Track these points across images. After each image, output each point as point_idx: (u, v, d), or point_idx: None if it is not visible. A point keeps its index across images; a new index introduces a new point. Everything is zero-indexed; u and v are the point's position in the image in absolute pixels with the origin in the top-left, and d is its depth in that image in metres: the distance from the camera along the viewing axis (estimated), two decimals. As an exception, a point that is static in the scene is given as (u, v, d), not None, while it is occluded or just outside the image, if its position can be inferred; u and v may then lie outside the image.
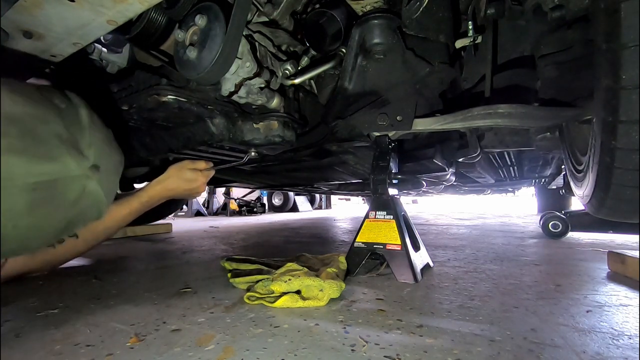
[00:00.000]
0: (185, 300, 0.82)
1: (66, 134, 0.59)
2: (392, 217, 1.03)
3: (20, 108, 0.56)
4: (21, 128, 0.54)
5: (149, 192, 0.89)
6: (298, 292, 0.79)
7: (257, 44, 0.84)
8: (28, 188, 0.54)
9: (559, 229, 1.90)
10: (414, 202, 9.40)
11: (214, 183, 1.95)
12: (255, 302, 0.78)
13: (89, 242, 0.81)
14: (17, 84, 0.61)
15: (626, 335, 0.59)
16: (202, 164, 0.99)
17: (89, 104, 0.71)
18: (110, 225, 0.83)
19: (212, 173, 1.02)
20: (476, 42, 0.90)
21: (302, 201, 6.66)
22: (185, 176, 0.94)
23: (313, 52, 0.95)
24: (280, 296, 0.77)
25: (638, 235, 1.69)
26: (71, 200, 0.60)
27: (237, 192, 6.15)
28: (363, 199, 6.52)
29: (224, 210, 5.59)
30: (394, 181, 1.11)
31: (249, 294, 0.81)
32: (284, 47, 0.95)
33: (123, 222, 0.86)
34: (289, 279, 0.81)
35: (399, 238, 0.99)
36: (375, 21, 0.86)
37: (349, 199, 9.24)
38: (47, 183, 0.56)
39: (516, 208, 5.99)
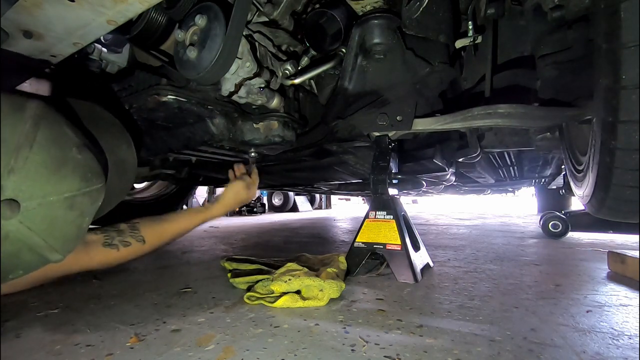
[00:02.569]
0: (185, 300, 0.82)
1: None
2: (392, 217, 1.03)
3: None
4: None
5: (212, 211, 0.94)
6: (298, 292, 0.79)
7: (257, 44, 0.84)
8: None
9: (559, 229, 1.90)
10: (414, 202, 9.39)
11: (214, 183, 1.95)
12: (255, 302, 0.78)
13: (153, 245, 0.81)
14: None
15: (626, 335, 0.59)
16: (243, 170, 1.06)
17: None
18: (175, 232, 0.86)
19: (256, 175, 1.07)
20: (476, 42, 0.90)
21: (302, 201, 6.65)
22: (241, 189, 1.00)
23: (313, 52, 0.95)
24: (280, 296, 0.77)
25: (638, 235, 1.69)
26: None
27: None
28: (363, 199, 6.51)
29: (224, 210, 5.59)
30: (394, 181, 1.11)
31: (249, 294, 0.81)
32: (284, 47, 0.95)
33: (185, 231, 0.89)
34: (289, 279, 0.81)
35: (399, 238, 0.99)
36: (375, 21, 0.86)
37: (349, 199, 9.23)
38: None
39: (516, 208, 5.99)
